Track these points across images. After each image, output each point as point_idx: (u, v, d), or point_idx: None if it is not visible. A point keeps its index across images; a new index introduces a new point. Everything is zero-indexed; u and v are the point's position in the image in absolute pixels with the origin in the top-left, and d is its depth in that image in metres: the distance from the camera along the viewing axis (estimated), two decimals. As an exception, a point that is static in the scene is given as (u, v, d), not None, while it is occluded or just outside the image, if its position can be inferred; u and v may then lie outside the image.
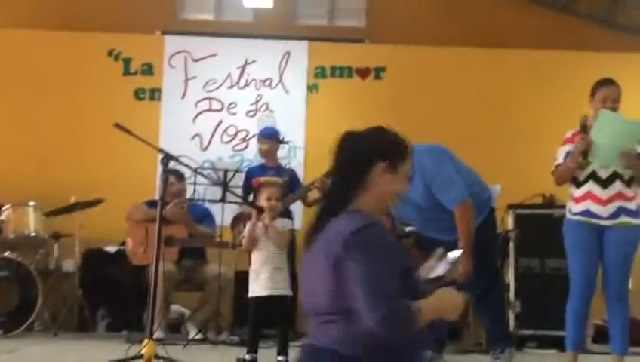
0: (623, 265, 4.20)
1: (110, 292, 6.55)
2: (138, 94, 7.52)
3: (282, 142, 6.61)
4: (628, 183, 4.17)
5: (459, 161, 4.72)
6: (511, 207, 6.18)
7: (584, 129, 4.19)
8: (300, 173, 6.88)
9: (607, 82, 4.34)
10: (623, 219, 4.14)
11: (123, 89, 7.50)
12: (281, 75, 7.58)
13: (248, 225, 4.50)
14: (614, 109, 4.23)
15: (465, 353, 5.47)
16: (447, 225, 4.70)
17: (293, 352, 4.47)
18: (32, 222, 6.24)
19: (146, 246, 6.04)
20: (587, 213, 4.21)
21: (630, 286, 4.39)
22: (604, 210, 4.16)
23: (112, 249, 6.72)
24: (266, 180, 5.06)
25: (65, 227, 6.62)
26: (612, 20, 7.74)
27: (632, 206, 4.16)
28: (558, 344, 5.55)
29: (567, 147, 4.32)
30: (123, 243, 6.38)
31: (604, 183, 4.17)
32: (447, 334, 5.13)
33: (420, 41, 7.58)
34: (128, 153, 6.73)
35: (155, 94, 7.53)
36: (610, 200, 4.16)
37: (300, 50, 7.60)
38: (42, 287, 5.98)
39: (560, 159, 4.35)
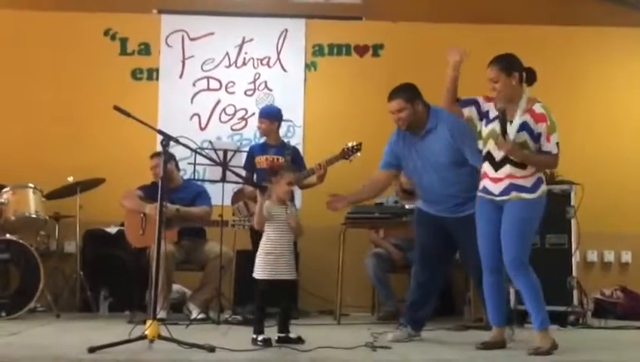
0: (512, 234, 4.23)
1: (112, 273, 6.56)
2: (135, 74, 7.49)
3: (281, 119, 6.59)
4: (521, 166, 4.24)
5: None
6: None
7: (504, 116, 4.26)
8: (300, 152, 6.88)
9: (489, 62, 4.39)
10: (514, 194, 4.24)
11: (120, 69, 7.45)
12: (278, 53, 7.55)
13: (257, 206, 4.52)
14: (494, 89, 4.33)
15: (465, 329, 5.50)
16: (457, 197, 4.68)
17: (295, 329, 4.54)
18: (32, 204, 6.22)
19: (143, 229, 6.06)
20: (484, 190, 4.36)
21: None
22: (495, 188, 4.29)
23: (112, 230, 6.73)
24: (281, 165, 5.04)
25: (65, 208, 6.64)
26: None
27: (524, 183, 4.25)
28: (559, 319, 5.60)
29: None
30: (123, 224, 6.39)
31: (497, 166, 4.29)
32: (430, 314, 5.14)
33: (418, 17, 7.54)
34: (126, 133, 6.72)
35: (152, 74, 7.49)
36: (500, 179, 4.27)
37: (297, 27, 7.56)
38: (44, 269, 5.99)
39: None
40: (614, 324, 6.01)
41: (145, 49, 7.51)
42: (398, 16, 7.56)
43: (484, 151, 4.35)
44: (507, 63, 4.34)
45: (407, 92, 4.78)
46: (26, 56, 7.39)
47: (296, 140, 7.30)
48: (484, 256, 4.38)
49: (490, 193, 4.31)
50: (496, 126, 4.30)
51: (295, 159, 6.30)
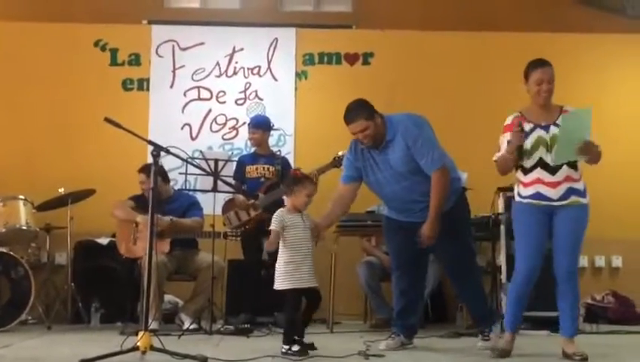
0: (574, 243, 4.29)
1: (103, 284, 6.53)
2: (126, 85, 7.49)
3: (271, 128, 6.63)
4: (574, 166, 4.27)
5: (435, 136, 4.75)
6: (501, 189, 6.20)
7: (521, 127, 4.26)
8: (290, 161, 6.89)
9: (540, 63, 4.40)
10: (573, 198, 4.25)
11: (110, 80, 7.46)
12: (269, 63, 7.56)
13: (271, 238, 4.46)
14: (550, 90, 4.33)
15: (458, 336, 5.50)
16: (421, 202, 4.68)
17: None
18: (23, 216, 6.21)
19: (135, 240, 6.05)
20: (537, 195, 4.30)
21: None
22: (554, 192, 4.26)
23: (103, 241, 6.71)
24: (305, 174, 4.97)
25: (56, 219, 6.61)
26: (598, 1, 7.74)
27: (579, 186, 4.28)
28: (551, 324, 5.60)
29: (509, 135, 4.37)
30: (114, 235, 6.38)
31: (553, 170, 4.27)
32: (419, 322, 5.17)
33: (408, 25, 7.58)
34: (117, 144, 6.72)
35: (143, 84, 7.50)
36: (559, 183, 4.26)
37: (287, 37, 7.58)
38: (35, 281, 5.97)
39: (502, 148, 4.42)
40: (606, 329, 6.04)
41: (135, 59, 7.52)
42: (388, 25, 7.60)
43: (534, 160, 4.29)
44: None
45: (365, 110, 4.70)
46: (16, 67, 7.40)
47: (287, 149, 7.31)
48: (526, 267, 4.33)
49: (547, 198, 4.26)
50: (541, 133, 4.28)
51: (285, 170, 6.30)
